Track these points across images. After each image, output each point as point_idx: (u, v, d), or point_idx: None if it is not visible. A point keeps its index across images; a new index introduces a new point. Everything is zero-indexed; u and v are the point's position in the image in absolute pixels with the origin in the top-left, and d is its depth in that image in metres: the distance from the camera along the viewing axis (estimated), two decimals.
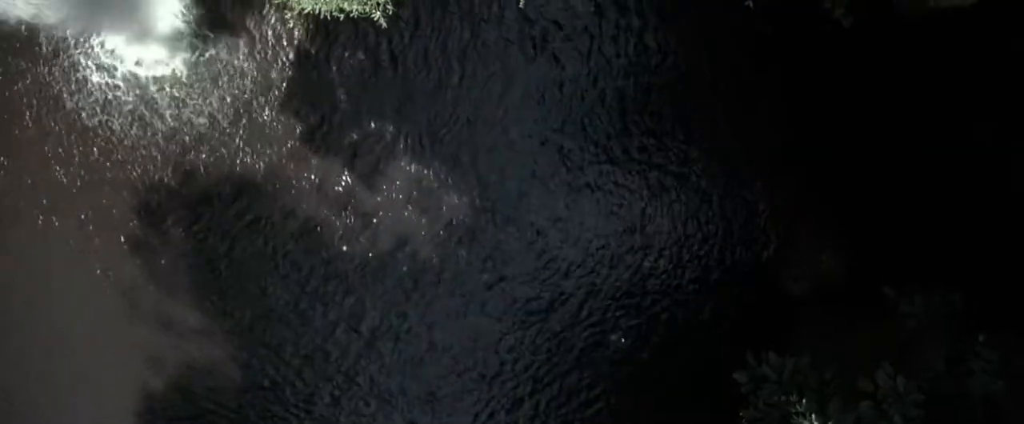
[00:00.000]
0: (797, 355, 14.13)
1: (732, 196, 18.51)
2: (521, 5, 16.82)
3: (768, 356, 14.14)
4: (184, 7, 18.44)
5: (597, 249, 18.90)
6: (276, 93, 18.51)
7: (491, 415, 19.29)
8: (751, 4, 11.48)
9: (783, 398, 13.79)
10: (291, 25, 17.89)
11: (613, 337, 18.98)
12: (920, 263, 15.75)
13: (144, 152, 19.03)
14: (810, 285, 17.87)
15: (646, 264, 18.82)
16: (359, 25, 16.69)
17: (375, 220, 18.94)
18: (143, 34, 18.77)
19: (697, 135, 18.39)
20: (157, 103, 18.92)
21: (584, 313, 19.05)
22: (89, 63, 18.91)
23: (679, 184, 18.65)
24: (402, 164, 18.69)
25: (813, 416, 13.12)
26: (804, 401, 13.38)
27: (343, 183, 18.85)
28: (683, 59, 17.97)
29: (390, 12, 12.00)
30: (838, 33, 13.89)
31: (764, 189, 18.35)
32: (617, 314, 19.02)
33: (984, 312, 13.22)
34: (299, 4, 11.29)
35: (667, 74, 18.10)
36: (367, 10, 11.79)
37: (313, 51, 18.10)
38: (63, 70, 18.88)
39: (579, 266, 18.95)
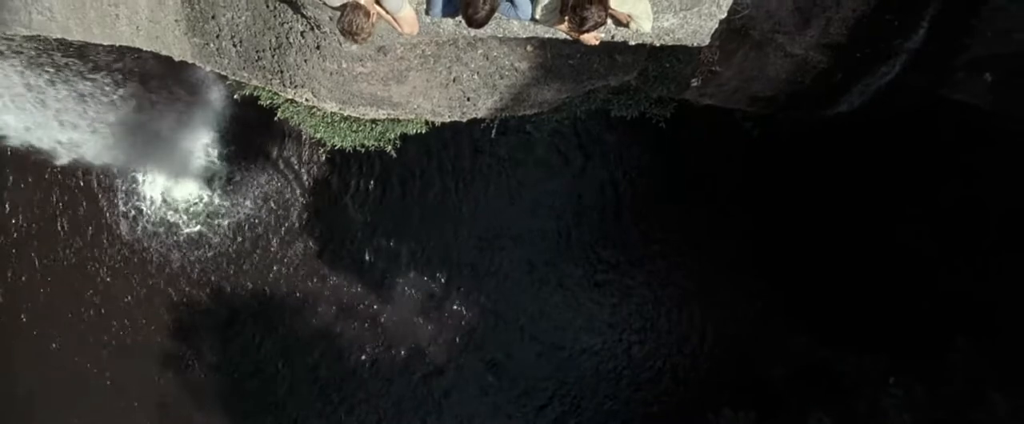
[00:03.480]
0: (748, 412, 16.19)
1: (714, 297, 19.70)
2: (492, 137, 18.14)
3: (724, 412, 16.21)
4: (213, 144, 19.82)
5: (592, 350, 20.00)
6: (298, 218, 19.86)
7: None
8: (663, 125, 12.55)
9: None
10: (311, 158, 19.39)
11: None
12: (853, 328, 17.43)
13: (174, 276, 20.28)
14: (782, 364, 18.99)
15: (643, 366, 20.06)
16: (372, 157, 18.23)
17: (392, 334, 20.14)
18: (173, 167, 19.77)
19: (677, 249, 19.61)
20: (185, 230, 20.22)
21: (579, 406, 20.35)
22: (121, 195, 20.02)
23: (667, 293, 19.91)
24: (416, 281, 19.94)
25: None
26: None
27: (361, 300, 20.05)
28: (647, 182, 19.50)
29: (398, 146, 13.10)
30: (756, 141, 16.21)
31: (736, 287, 19.53)
32: (613, 406, 20.31)
33: (898, 362, 15.35)
34: (331, 140, 12.43)
35: (643, 194, 19.50)
36: (381, 144, 12.86)
37: (331, 180, 19.61)
38: (96, 201, 19.96)
39: (571, 361, 20.13)
